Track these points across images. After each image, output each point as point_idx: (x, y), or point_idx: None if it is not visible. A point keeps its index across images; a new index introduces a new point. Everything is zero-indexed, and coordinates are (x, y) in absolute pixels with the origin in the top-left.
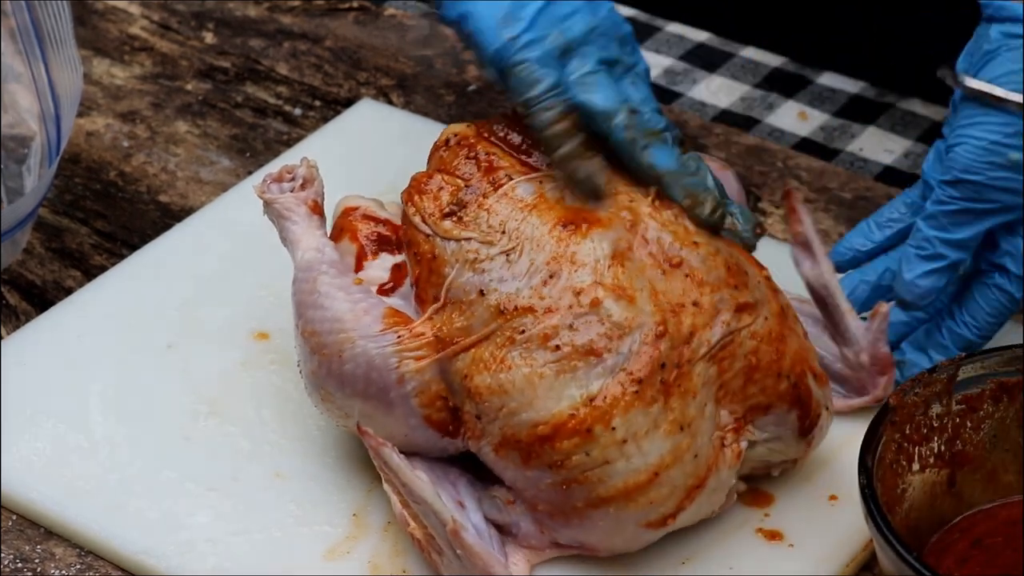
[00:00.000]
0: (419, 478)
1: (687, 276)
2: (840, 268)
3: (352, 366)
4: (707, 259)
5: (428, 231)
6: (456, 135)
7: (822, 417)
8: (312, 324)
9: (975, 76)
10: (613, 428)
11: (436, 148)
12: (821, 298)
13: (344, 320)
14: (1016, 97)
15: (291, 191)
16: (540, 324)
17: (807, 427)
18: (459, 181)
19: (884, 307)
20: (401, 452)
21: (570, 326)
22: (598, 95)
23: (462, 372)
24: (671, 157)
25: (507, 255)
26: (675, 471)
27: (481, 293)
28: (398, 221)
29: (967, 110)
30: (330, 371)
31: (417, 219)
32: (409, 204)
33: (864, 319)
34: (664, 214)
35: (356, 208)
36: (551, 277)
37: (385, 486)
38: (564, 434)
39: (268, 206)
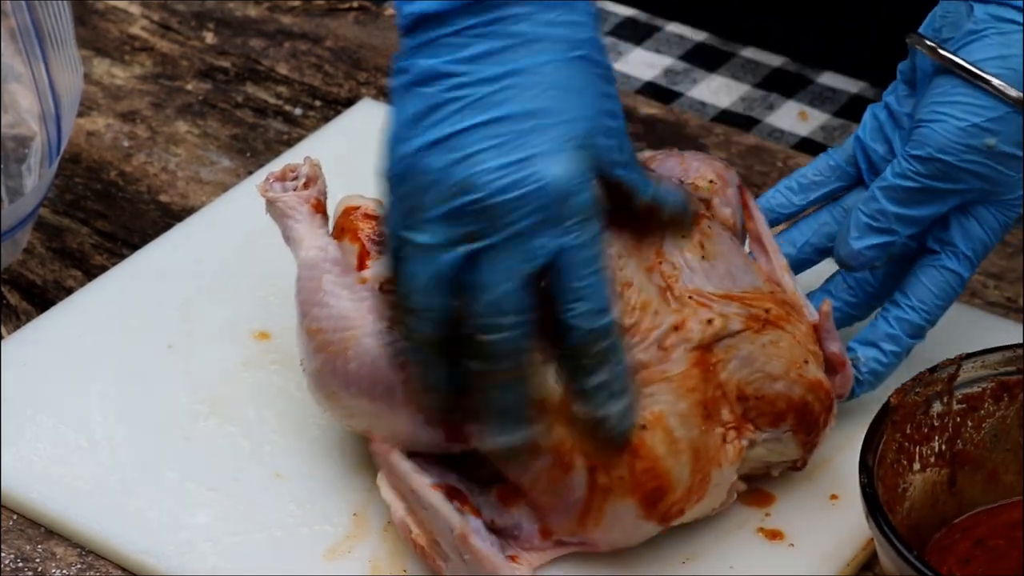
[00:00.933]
0: (426, 483)
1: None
2: None
3: (357, 364)
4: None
5: None
6: None
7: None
8: (317, 322)
9: (955, 53)
10: None
11: None
12: None
13: (350, 318)
14: (1006, 88)
15: (294, 190)
16: None
17: (806, 430)
18: None
19: (827, 306)
20: (404, 451)
21: None
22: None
23: None
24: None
25: None
26: None
27: None
28: None
29: (945, 86)
30: (335, 369)
31: None
32: None
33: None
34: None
35: (357, 208)
36: None
37: (384, 494)
38: None
39: (271, 205)
